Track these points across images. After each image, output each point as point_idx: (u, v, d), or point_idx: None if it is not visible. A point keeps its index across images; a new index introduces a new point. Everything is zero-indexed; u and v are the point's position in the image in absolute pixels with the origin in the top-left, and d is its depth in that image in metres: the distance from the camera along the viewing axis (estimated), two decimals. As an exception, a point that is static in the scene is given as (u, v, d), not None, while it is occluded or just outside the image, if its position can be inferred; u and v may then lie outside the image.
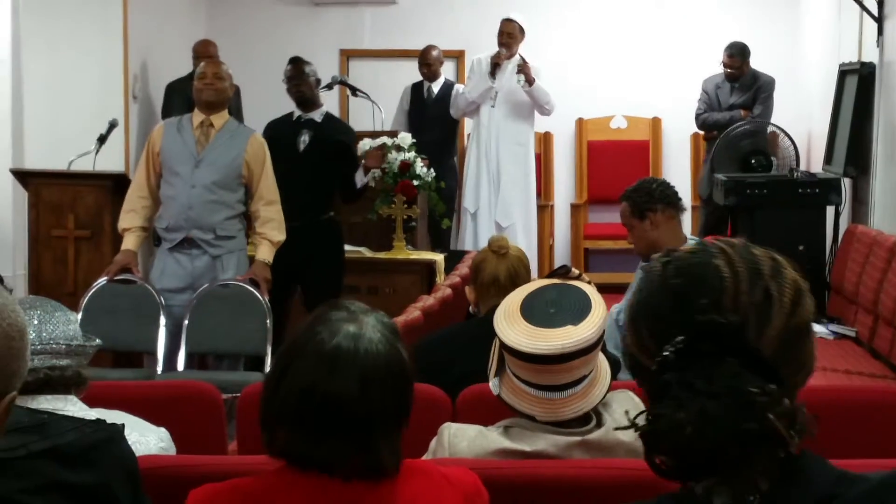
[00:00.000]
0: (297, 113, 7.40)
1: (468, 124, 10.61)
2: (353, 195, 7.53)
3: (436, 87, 10.48)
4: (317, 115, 7.41)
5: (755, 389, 1.47)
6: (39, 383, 2.84)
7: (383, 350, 2.33)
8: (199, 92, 6.59)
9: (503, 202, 10.07)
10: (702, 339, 1.51)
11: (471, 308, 4.32)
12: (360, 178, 7.41)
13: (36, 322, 2.88)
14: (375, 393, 2.30)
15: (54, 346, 2.89)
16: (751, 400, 1.47)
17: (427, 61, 10.44)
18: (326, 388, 2.28)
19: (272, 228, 6.57)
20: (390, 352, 2.35)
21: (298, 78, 7.38)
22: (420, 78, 10.49)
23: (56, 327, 2.92)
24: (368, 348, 2.32)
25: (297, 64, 7.46)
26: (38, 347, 2.85)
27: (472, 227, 10.04)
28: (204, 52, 9.69)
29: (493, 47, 10.16)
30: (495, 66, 9.92)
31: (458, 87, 10.46)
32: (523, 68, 9.84)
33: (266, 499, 2.33)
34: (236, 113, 9.64)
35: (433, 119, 10.05)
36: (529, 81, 9.85)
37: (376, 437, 2.31)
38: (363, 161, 7.57)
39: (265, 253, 6.55)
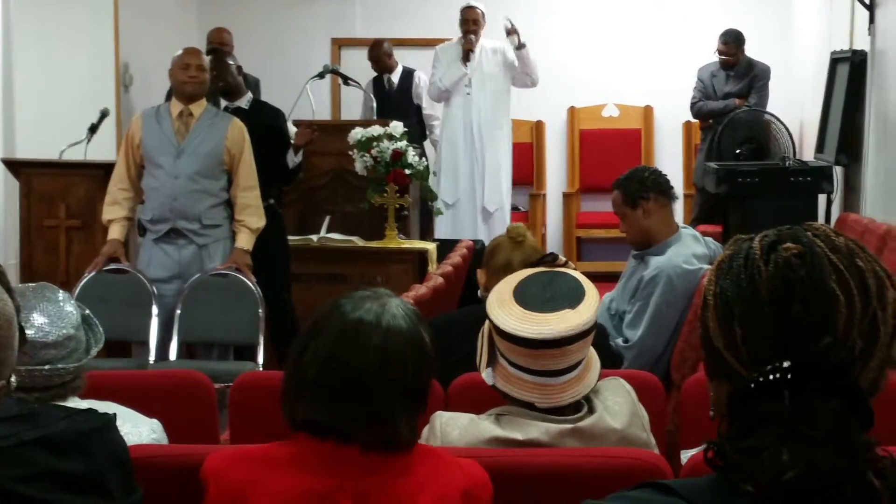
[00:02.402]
0: (224, 103, 7.37)
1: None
2: (286, 177, 7.50)
3: (395, 77, 10.48)
4: (243, 103, 7.37)
5: (860, 441, 1.43)
6: (74, 385, 2.86)
7: (405, 326, 2.44)
8: (182, 84, 6.53)
9: (490, 188, 10.05)
10: (809, 374, 1.45)
11: (479, 292, 4.33)
12: (291, 159, 7.38)
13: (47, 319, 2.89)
14: (396, 365, 2.40)
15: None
16: (856, 454, 1.42)
17: (376, 57, 10.46)
18: (347, 359, 2.38)
19: (250, 215, 6.55)
20: (412, 329, 2.45)
21: (219, 68, 7.36)
22: (367, 72, 10.51)
23: (78, 329, 2.95)
24: (391, 322, 2.43)
25: (216, 54, 7.43)
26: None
27: (451, 216, 9.96)
28: (219, 39, 9.69)
29: (489, 36, 10.17)
30: (468, 52, 9.92)
31: (420, 75, 10.46)
32: (512, 30, 9.84)
33: (283, 462, 2.40)
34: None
35: (398, 108, 10.01)
36: (521, 45, 9.86)
37: (395, 409, 2.40)
38: (293, 140, 7.53)
39: (244, 240, 6.54)
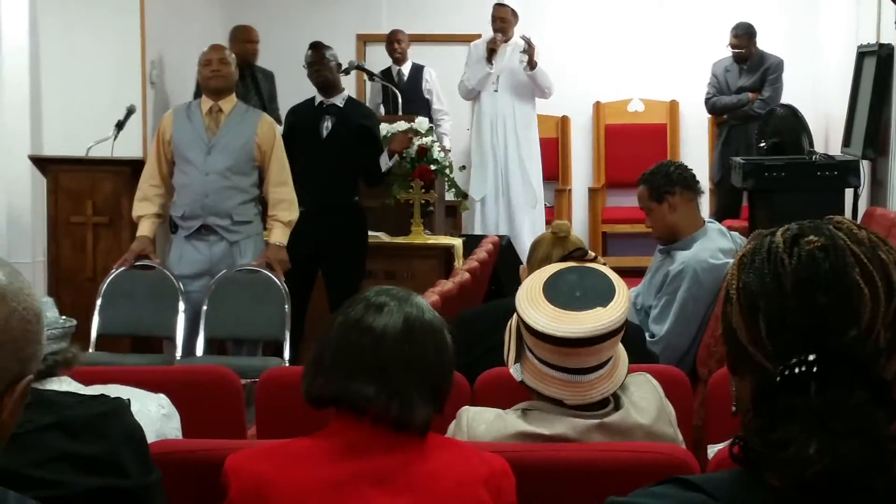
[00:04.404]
0: (319, 98, 7.37)
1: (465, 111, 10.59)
2: (377, 179, 7.52)
3: (406, 70, 10.51)
4: (339, 100, 7.37)
5: (887, 434, 1.41)
6: (48, 370, 2.85)
7: (430, 314, 2.54)
8: (206, 80, 6.57)
9: (523, 185, 10.04)
10: (835, 366, 1.44)
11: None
12: (384, 162, 7.40)
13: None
14: (417, 340, 2.48)
15: (52, 330, 2.90)
16: (883, 447, 1.41)
17: (397, 38, 10.52)
18: (371, 324, 2.47)
19: (283, 210, 6.54)
20: (437, 318, 2.55)
21: (319, 63, 7.35)
22: (385, 66, 10.55)
23: (47, 310, 2.93)
24: (418, 304, 2.55)
25: (317, 49, 7.43)
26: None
27: (481, 212, 9.98)
28: (245, 37, 9.72)
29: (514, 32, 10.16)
30: (491, 51, 9.90)
31: (430, 71, 10.53)
32: (529, 51, 9.82)
33: (303, 455, 2.46)
34: (269, 98, 9.66)
35: (406, 102, 10.02)
36: (532, 65, 9.85)
37: (411, 385, 2.45)
38: (388, 145, 7.57)
39: (278, 235, 6.53)
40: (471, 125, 10.27)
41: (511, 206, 10.02)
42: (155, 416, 3.05)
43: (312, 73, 7.40)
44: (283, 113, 8.66)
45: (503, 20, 9.93)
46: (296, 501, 2.40)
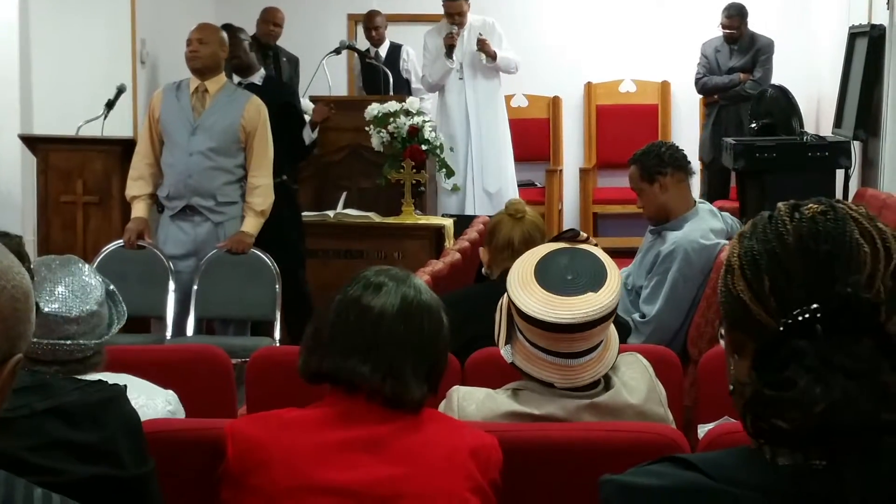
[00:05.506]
0: (237, 79, 7.38)
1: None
2: (302, 153, 7.52)
3: (383, 51, 10.45)
4: (256, 79, 7.39)
5: (893, 380, 1.42)
6: (102, 362, 2.87)
7: (426, 294, 2.60)
8: (186, 60, 6.55)
9: (494, 168, 9.94)
10: (840, 313, 1.45)
11: (483, 270, 4.32)
12: (307, 135, 7.41)
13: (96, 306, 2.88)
14: (413, 320, 2.54)
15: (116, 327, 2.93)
16: (889, 389, 1.42)
17: (374, 25, 10.44)
18: (369, 303, 2.53)
19: (256, 196, 6.47)
20: (433, 299, 2.61)
21: (231, 45, 7.38)
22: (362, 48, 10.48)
23: (117, 306, 2.97)
24: (415, 284, 2.60)
25: (229, 31, 7.46)
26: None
27: (456, 198, 9.81)
28: (268, 18, 9.72)
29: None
30: (450, 47, 9.73)
31: (408, 50, 10.45)
32: (483, 47, 9.69)
33: (298, 421, 2.52)
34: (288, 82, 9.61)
35: (385, 83, 9.94)
36: (492, 56, 9.73)
37: (406, 363, 2.51)
38: (310, 118, 7.56)
39: (247, 223, 6.46)
40: (437, 113, 10.12)
41: (485, 190, 9.92)
42: (161, 411, 3.04)
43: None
44: None
45: (460, 14, 9.71)
46: (288, 463, 2.46)
